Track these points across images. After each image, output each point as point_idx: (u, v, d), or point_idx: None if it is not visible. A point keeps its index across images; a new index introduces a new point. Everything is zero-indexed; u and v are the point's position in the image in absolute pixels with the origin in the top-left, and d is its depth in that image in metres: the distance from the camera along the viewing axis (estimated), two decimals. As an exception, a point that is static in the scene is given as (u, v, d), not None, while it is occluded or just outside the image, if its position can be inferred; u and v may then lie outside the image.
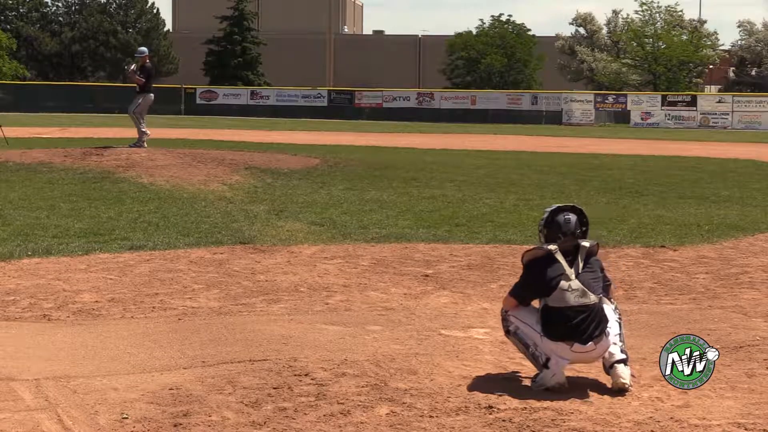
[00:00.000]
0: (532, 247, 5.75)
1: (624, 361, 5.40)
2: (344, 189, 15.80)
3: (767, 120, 54.16)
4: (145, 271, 8.79)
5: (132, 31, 77.21)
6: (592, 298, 5.43)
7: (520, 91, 65.01)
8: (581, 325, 5.37)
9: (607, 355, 5.44)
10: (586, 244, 5.57)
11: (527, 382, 5.50)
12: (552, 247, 5.52)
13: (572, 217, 5.62)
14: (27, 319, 7.03)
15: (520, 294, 5.61)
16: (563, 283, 5.42)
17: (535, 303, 5.63)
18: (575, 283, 5.43)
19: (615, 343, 5.46)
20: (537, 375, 5.44)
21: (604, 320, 5.44)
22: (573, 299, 5.40)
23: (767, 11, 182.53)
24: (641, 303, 7.85)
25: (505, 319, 5.63)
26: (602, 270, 5.64)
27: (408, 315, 7.30)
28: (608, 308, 5.54)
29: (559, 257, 5.49)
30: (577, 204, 5.84)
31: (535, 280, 5.52)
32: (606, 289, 5.62)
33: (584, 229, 5.67)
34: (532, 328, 5.49)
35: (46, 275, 8.48)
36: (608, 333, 5.43)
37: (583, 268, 5.50)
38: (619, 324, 5.56)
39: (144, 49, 21.56)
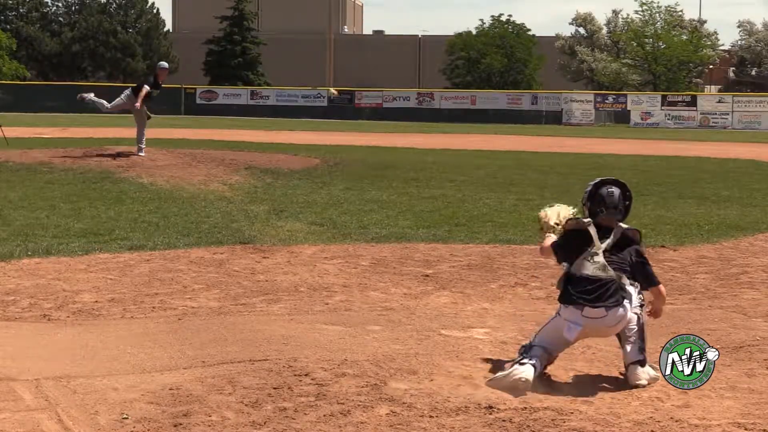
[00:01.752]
0: (574, 217, 5.84)
1: (641, 363, 5.44)
2: (344, 189, 15.80)
3: (767, 120, 54.17)
4: (145, 271, 8.79)
5: (132, 31, 77.22)
6: (611, 274, 5.45)
7: (520, 91, 65.01)
8: (594, 292, 5.42)
9: (624, 356, 5.48)
10: (623, 225, 5.61)
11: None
12: (587, 220, 5.61)
13: (615, 191, 5.68)
14: (27, 319, 7.02)
15: (559, 251, 5.71)
16: (587, 254, 5.49)
17: None
18: (599, 257, 5.48)
19: (632, 342, 5.47)
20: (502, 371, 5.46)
21: (622, 294, 5.44)
22: (591, 270, 5.45)
23: (767, 11, 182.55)
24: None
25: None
26: (642, 260, 5.59)
27: (408, 315, 7.30)
28: (634, 295, 5.53)
29: (592, 231, 5.55)
30: (620, 179, 5.84)
31: (568, 246, 5.63)
32: (644, 280, 5.57)
33: (627, 203, 5.72)
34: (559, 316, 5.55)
35: (46, 275, 8.48)
36: (626, 307, 5.44)
37: (613, 247, 5.53)
38: (638, 318, 5.52)
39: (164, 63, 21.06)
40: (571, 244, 5.61)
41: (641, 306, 5.61)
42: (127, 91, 19.47)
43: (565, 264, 5.66)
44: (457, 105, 60.65)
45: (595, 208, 5.64)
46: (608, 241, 5.54)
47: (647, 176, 19.74)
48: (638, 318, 5.55)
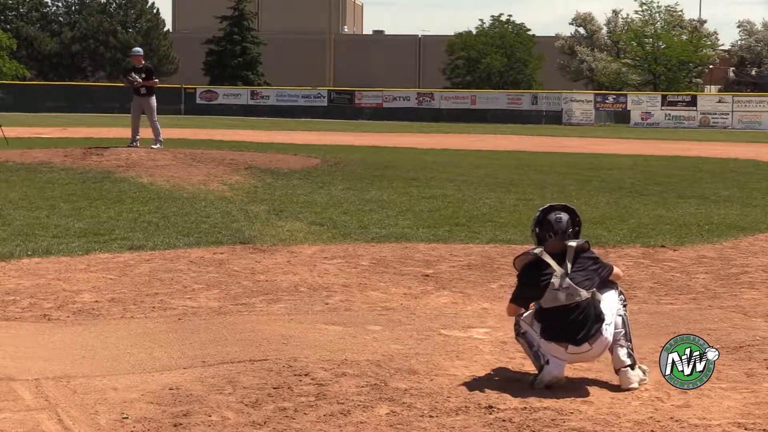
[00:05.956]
0: (520, 253, 5.77)
1: (632, 366, 5.42)
2: (344, 189, 15.79)
3: (767, 120, 54.17)
4: (145, 271, 8.79)
5: (132, 31, 77.20)
6: (583, 294, 5.42)
7: (520, 91, 65.01)
8: (573, 325, 5.38)
9: (615, 360, 5.46)
10: (572, 244, 5.57)
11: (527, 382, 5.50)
12: (537, 250, 5.56)
13: (564, 216, 5.64)
14: (27, 319, 7.02)
15: (518, 299, 5.68)
16: (553, 283, 5.44)
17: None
18: (566, 282, 5.43)
19: (622, 346, 5.46)
20: (536, 375, 5.45)
21: (599, 318, 5.42)
22: (564, 298, 5.41)
23: (767, 11, 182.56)
24: (641, 303, 7.84)
25: (516, 323, 5.67)
26: (596, 261, 5.62)
27: (408, 315, 7.30)
28: (608, 301, 5.50)
29: (547, 258, 5.51)
30: (569, 204, 5.85)
31: (528, 284, 5.58)
32: (606, 277, 5.60)
33: (576, 228, 5.68)
34: (534, 331, 5.52)
35: (46, 275, 8.48)
36: (604, 330, 5.43)
37: (573, 267, 5.50)
38: (623, 319, 5.53)
39: (139, 49, 22.02)
40: (528, 283, 5.55)
41: (624, 306, 5.61)
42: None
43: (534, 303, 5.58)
44: (457, 105, 60.65)
45: (543, 234, 5.62)
46: (567, 263, 5.49)
47: (647, 176, 19.74)
48: (623, 320, 5.55)
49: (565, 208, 5.73)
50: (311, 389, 5.29)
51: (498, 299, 7.90)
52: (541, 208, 5.76)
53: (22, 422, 4.75)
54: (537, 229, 5.67)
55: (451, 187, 16.66)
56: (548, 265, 5.49)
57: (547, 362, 5.39)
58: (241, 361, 5.85)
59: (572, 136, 40.27)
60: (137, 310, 7.33)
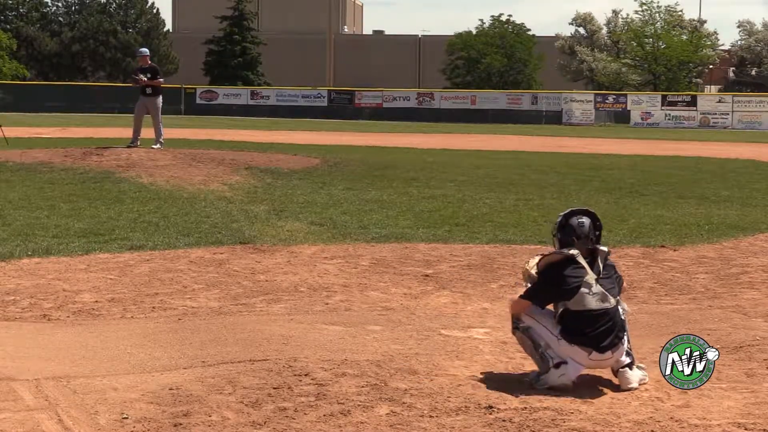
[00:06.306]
0: (551, 252, 5.72)
1: (630, 365, 5.42)
2: (344, 189, 15.79)
3: (767, 120, 54.17)
4: (145, 271, 8.79)
5: (132, 31, 77.20)
6: (612, 302, 5.43)
7: (520, 91, 64.99)
8: (601, 333, 5.36)
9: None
10: (604, 248, 5.57)
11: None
12: (573, 251, 5.49)
13: (586, 221, 5.63)
14: (27, 319, 7.02)
15: (537, 297, 5.56)
16: (585, 287, 5.40)
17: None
18: (596, 287, 5.42)
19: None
20: (539, 374, 5.43)
21: (621, 327, 5.44)
22: (594, 303, 5.39)
23: (767, 11, 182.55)
24: (641, 303, 7.85)
25: (517, 318, 5.59)
26: (616, 270, 5.65)
27: (408, 315, 7.30)
28: (620, 310, 5.55)
29: (581, 260, 5.47)
30: (590, 208, 5.84)
31: (556, 284, 5.48)
32: (621, 286, 5.65)
33: (598, 233, 5.67)
34: (547, 330, 5.45)
35: (46, 275, 8.48)
36: (624, 340, 5.45)
37: (603, 272, 5.50)
38: (624, 321, 5.56)
39: (145, 49, 22.11)
40: (554, 283, 5.48)
41: (624, 311, 5.62)
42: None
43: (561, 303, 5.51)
44: (457, 105, 60.62)
45: (566, 239, 5.59)
46: (599, 266, 5.49)
47: (647, 176, 19.73)
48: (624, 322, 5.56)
49: (586, 213, 5.71)
50: (311, 389, 5.29)
51: (498, 299, 7.90)
52: (562, 213, 5.73)
53: (22, 422, 4.75)
54: (559, 234, 5.63)
55: (451, 187, 16.66)
56: (580, 268, 5.45)
57: (557, 365, 5.35)
58: (241, 361, 5.85)
59: (572, 136, 40.26)
60: (137, 310, 7.33)
